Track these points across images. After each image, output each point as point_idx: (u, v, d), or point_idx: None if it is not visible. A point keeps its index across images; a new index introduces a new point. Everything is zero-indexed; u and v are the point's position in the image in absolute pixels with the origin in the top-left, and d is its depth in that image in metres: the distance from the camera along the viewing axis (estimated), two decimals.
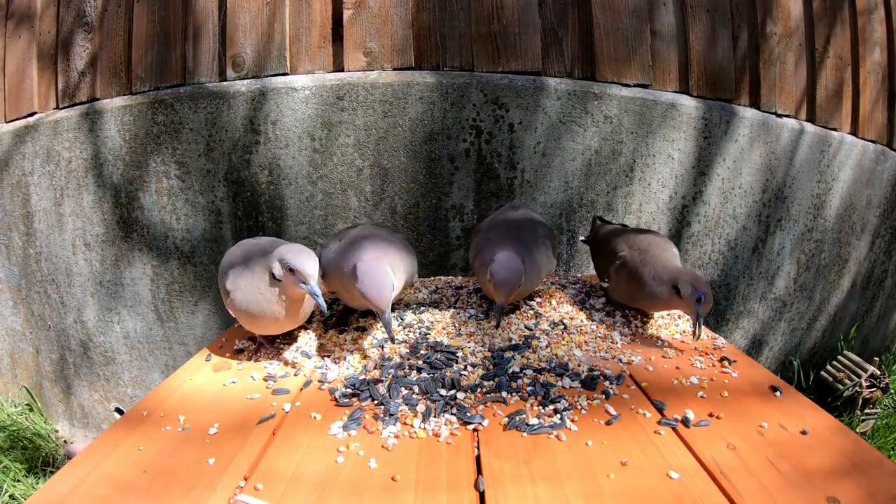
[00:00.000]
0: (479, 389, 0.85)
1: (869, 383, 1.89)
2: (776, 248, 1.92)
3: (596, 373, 0.90)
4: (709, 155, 1.76)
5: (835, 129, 1.95)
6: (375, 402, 0.83)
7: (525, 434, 0.74)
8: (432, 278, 1.46)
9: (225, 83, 1.65)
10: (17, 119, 1.85)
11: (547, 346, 0.99)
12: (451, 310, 1.17)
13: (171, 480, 0.66)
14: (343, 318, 1.16)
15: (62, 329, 1.89)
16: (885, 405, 2.03)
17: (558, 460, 0.69)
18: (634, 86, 1.69)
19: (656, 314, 1.17)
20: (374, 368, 0.93)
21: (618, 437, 0.73)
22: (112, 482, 0.66)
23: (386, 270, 0.92)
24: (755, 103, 1.81)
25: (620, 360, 0.96)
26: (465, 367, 0.92)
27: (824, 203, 1.96)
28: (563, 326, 1.09)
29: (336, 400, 0.84)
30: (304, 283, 0.89)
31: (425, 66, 1.65)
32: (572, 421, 0.77)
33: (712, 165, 1.77)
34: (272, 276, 0.91)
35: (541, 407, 0.80)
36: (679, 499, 0.61)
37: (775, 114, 1.84)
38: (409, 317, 1.13)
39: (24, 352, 1.99)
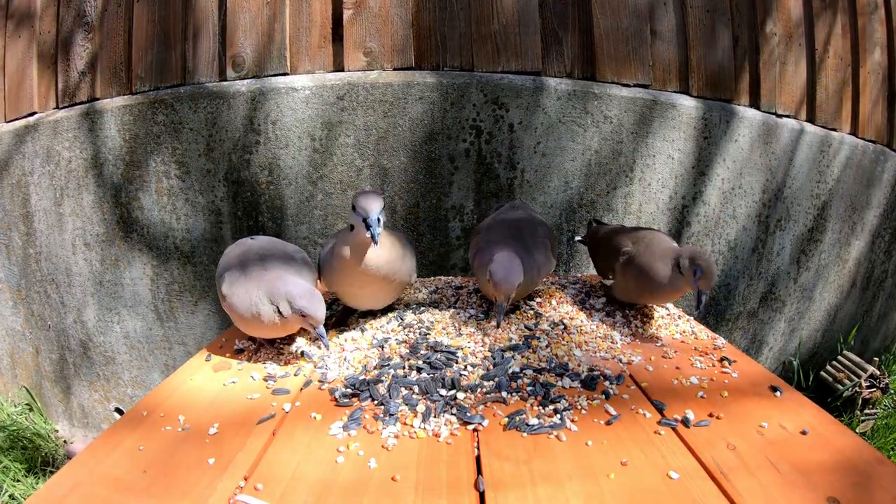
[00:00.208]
0: (479, 389, 0.85)
1: (869, 383, 1.89)
2: (776, 248, 1.92)
3: (596, 373, 0.90)
4: (709, 155, 1.76)
5: (835, 130, 1.95)
6: (375, 402, 0.83)
7: (525, 434, 0.74)
8: (432, 278, 1.46)
9: (225, 83, 1.65)
10: (17, 119, 1.85)
11: (547, 346, 0.99)
12: (451, 310, 1.17)
13: (171, 480, 0.66)
14: (343, 318, 1.16)
15: (62, 329, 1.89)
16: (885, 405, 2.03)
17: (558, 460, 0.69)
18: (634, 86, 1.69)
19: (656, 314, 1.17)
20: (374, 368, 0.93)
21: (618, 437, 0.73)
22: (112, 482, 0.66)
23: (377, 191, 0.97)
24: (755, 103, 1.81)
25: (620, 360, 0.96)
26: (465, 367, 0.92)
27: (824, 203, 1.96)
28: (563, 326, 1.09)
29: (336, 400, 0.84)
30: (313, 326, 0.91)
31: (425, 66, 1.65)
32: (572, 421, 0.77)
33: (712, 165, 1.77)
34: (278, 311, 0.92)
35: (541, 407, 0.80)
36: (679, 499, 0.61)
37: (775, 114, 1.84)
38: (409, 317, 1.13)
39: (24, 352, 1.99)
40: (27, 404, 2.04)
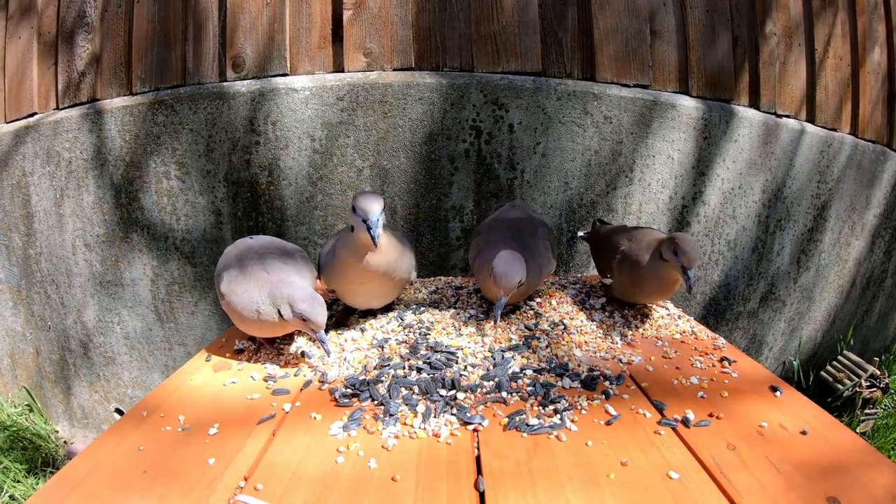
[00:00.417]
0: (479, 389, 0.85)
1: (869, 383, 1.89)
2: (776, 248, 1.92)
3: (596, 373, 0.90)
4: (709, 155, 1.76)
5: (835, 130, 1.95)
6: (375, 402, 0.83)
7: (525, 434, 0.74)
8: (432, 278, 1.46)
9: (225, 83, 1.65)
10: (17, 119, 1.85)
11: (547, 346, 0.99)
12: (451, 310, 1.17)
13: (171, 480, 0.66)
14: (343, 318, 1.16)
15: (62, 329, 1.89)
16: (885, 405, 2.03)
17: (558, 460, 0.68)
18: (634, 86, 1.70)
19: (656, 314, 1.17)
20: (374, 368, 0.93)
21: (618, 437, 0.73)
22: (112, 482, 0.66)
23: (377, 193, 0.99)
24: (755, 103, 1.81)
25: (620, 360, 0.96)
26: (465, 367, 0.92)
27: (824, 203, 1.96)
28: (563, 326, 1.09)
29: (336, 400, 0.84)
30: (314, 331, 0.91)
31: (425, 66, 1.65)
32: (572, 421, 0.77)
33: (712, 166, 1.77)
34: (279, 313, 0.92)
35: (541, 407, 0.80)
36: (679, 499, 0.61)
37: (775, 114, 1.84)
38: (409, 317, 1.13)
39: (25, 352, 1.99)
40: (27, 405, 2.04)
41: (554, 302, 1.21)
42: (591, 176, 1.70)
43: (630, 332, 1.08)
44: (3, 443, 1.81)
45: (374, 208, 0.94)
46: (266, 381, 0.92)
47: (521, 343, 1.01)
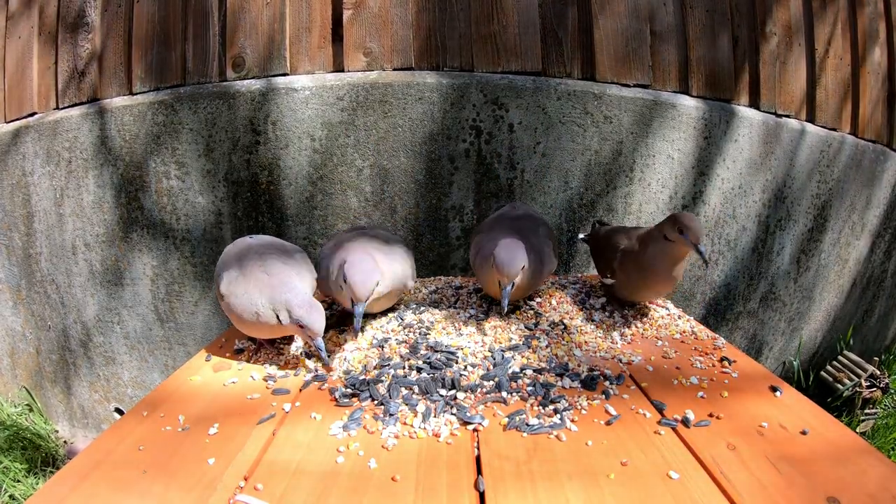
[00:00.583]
0: (479, 389, 0.85)
1: (869, 383, 1.89)
2: (776, 248, 1.92)
3: (596, 373, 0.90)
4: (709, 155, 1.76)
5: (835, 130, 1.95)
6: (375, 402, 0.83)
7: (525, 434, 0.74)
8: (432, 278, 1.46)
9: (225, 83, 1.65)
10: (17, 119, 1.85)
11: (547, 346, 0.99)
12: (451, 310, 1.17)
13: (171, 480, 0.66)
14: (343, 318, 1.16)
15: (62, 329, 1.89)
16: (885, 405, 2.03)
17: (558, 460, 0.69)
18: (634, 86, 1.70)
19: (656, 314, 1.17)
20: (374, 368, 0.93)
21: (618, 437, 0.73)
22: (112, 482, 0.66)
23: (373, 264, 0.95)
24: (755, 103, 1.81)
25: (620, 360, 0.96)
26: (465, 367, 0.92)
27: (824, 203, 1.96)
28: (563, 326, 1.09)
29: (336, 400, 0.84)
30: (311, 338, 0.90)
31: (425, 66, 1.65)
32: (572, 421, 0.77)
33: (712, 165, 1.77)
34: (277, 318, 0.92)
35: (541, 407, 0.80)
36: (679, 499, 0.61)
37: (775, 114, 1.84)
38: (409, 317, 1.13)
39: (24, 352, 1.99)
40: (27, 405, 2.04)
41: (554, 302, 1.21)
42: (591, 176, 1.70)
43: (630, 332, 1.08)
44: (3, 443, 1.81)
45: (365, 294, 0.92)
46: (266, 381, 0.92)
47: (521, 343, 1.01)
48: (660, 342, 1.04)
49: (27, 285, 1.90)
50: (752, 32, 1.79)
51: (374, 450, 0.71)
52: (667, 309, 1.21)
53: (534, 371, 0.90)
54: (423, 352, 0.98)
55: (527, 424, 0.76)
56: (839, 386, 1.93)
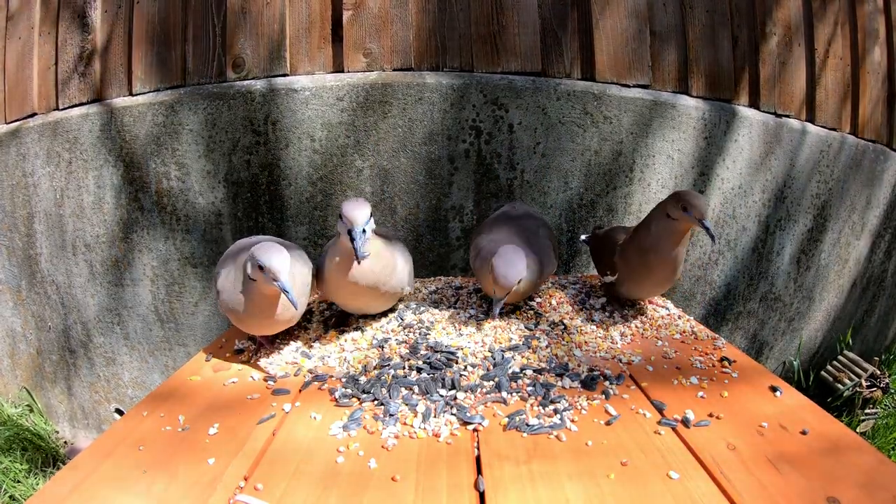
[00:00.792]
0: (479, 389, 0.85)
1: (869, 383, 1.89)
2: (776, 248, 1.92)
3: (596, 373, 0.90)
4: (709, 155, 1.76)
5: (835, 130, 1.95)
6: (375, 402, 0.83)
7: (525, 434, 0.74)
8: (432, 278, 1.46)
9: (225, 84, 1.65)
10: (17, 119, 1.85)
11: (547, 346, 0.99)
12: (451, 310, 1.17)
13: (171, 480, 0.66)
14: (343, 318, 1.16)
15: (62, 330, 1.89)
16: (885, 405, 2.03)
17: (558, 460, 0.69)
18: (634, 86, 1.70)
19: (656, 314, 1.17)
20: (374, 368, 0.93)
21: (618, 437, 0.73)
22: (112, 482, 0.66)
23: (365, 201, 0.93)
24: (755, 103, 1.81)
25: (620, 360, 0.96)
26: (465, 367, 0.92)
27: (824, 203, 1.96)
28: (563, 326, 1.09)
29: (336, 400, 0.84)
30: (274, 279, 0.87)
31: (425, 66, 1.65)
32: (572, 421, 0.77)
33: (712, 165, 1.77)
34: (246, 275, 0.91)
35: (541, 407, 0.80)
36: (679, 499, 0.61)
37: (775, 114, 1.84)
38: (409, 317, 1.13)
39: (25, 352, 1.99)
40: (27, 405, 2.04)
41: (554, 302, 1.21)
42: (591, 176, 1.70)
43: (630, 332, 1.08)
44: (3, 443, 1.81)
45: (359, 217, 0.89)
46: (266, 381, 0.92)
47: (521, 343, 1.01)
48: (660, 342, 1.04)
49: (27, 286, 1.90)
50: (752, 32, 1.79)
51: (374, 450, 0.71)
52: (667, 309, 1.21)
53: (534, 371, 0.90)
54: (423, 352, 0.98)
55: (527, 424, 0.76)
56: (839, 386, 1.93)
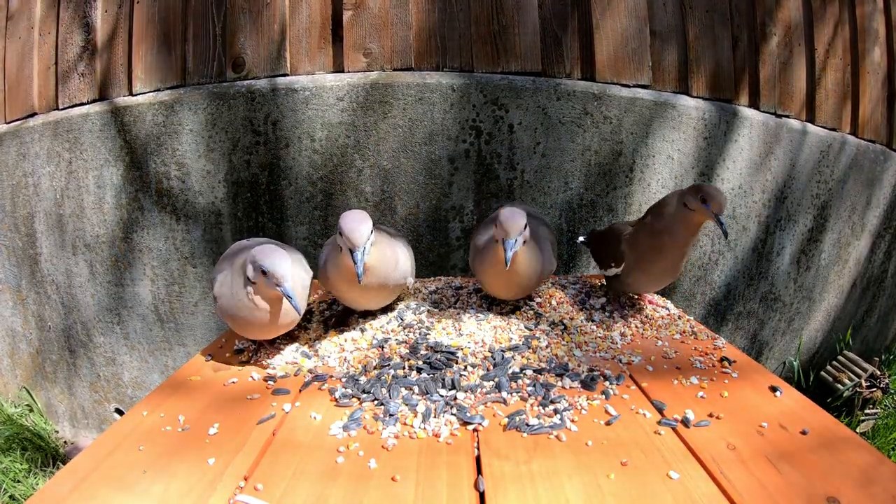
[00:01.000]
0: (479, 389, 0.85)
1: (869, 383, 1.89)
2: (776, 248, 1.92)
3: (596, 373, 0.90)
4: (709, 155, 1.76)
5: (835, 130, 1.95)
6: (375, 402, 0.83)
7: (525, 434, 0.74)
8: (432, 278, 1.46)
9: (225, 84, 1.65)
10: (17, 120, 1.85)
11: (547, 346, 0.99)
12: (451, 310, 1.17)
13: (171, 480, 0.66)
14: (343, 318, 1.16)
15: (62, 329, 1.89)
16: (885, 405, 2.03)
17: (558, 460, 0.69)
18: (634, 86, 1.70)
19: (656, 314, 1.17)
20: (374, 368, 0.93)
21: (618, 437, 0.73)
22: (112, 482, 0.66)
23: (365, 215, 0.93)
24: (755, 103, 1.81)
25: (620, 360, 0.96)
26: (465, 367, 0.92)
27: (824, 203, 1.97)
28: (563, 326, 1.09)
29: (336, 400, 0.84)
30: (277, 284, 0.87)
31: (425, 66, 1.65)
32: (572, 421, 0.77)
33: (712, 165, 1.77)
34: (246, 278, 0.90)
35: (541, 407, 0.80)
36: (679, 499, 0.61)
37: (775, 114, 1.84)
38: (409, 317, 1.13)
39: (25, 352, 1.99)
40: (27, 405, 2.04)
41: (554, 302, 1.21)
42: (591, 176, 1.70)
43: (630, 332, 1.08)
44: (3, 443, 1.81)
45: (359, 240, 0.89)
46: (266, 380, 0.92)
47: (521, 343, 1.01)
48: (660, 342, 1.04)
49: (27, 285, 1.90)
50: (752, 32, 1.79)
51: (374, 450, 0.71)
52: (667, 309, 1.21)
53: (534, 371, 0.90)
54: (423, 352, 0.98)
55: (527, 424, 0.76)
56: (839, 386, 1.93)
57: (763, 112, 1.81)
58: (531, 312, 1.16)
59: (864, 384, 1.88)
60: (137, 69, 1.71)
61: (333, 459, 0.70)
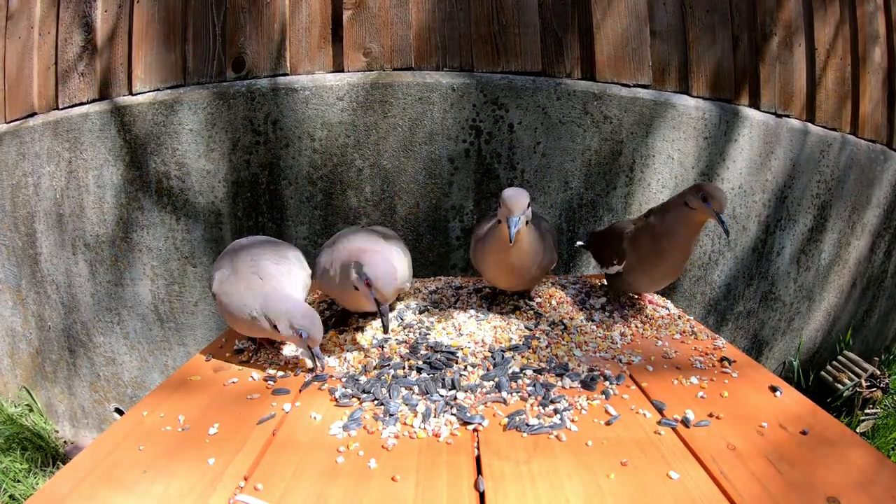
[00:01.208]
0: (479, 389, 0.85)
1: (869, 383, 1.89)
2: (776, 248, 1.92)
3: (596, 373, 0.90)
4: (709, 155, 1.76)
5: (835, 129, 1.95)
6: (375, 402, 0.83)
7: (525, 434, 0.74)
8: (432, 278, 1.46)
9: (225, 83, 1.65)
10: (17, 119, 1.85)
11: (547, 346, 0.99)
12: (451, 310, 1.17)
13: (171, 480, 0.66)
14: (343, 318, 1.16)
15: (62, 329, 1.89)
16: (885, 405, 2.03)
17: (558, 460, 0.68)
18: (634, 86, 1.70)
19: (656, 314, 1.17)
20: (374, 368, 0.93)
21: (618, 437, 0.73)
22: (112, 482, 0.66)
23: (391, 262, 0.96)
24: (755, 103, 1.81)
25: (620, 360, 0.96)
26: (465, 367, 0.92)
27: (824, 203, 1.96)
28: (563, 326, 1.09)
29: (336, 400, 0.84)
30: (310, 346, 0.90)
31: (425, 66, 1.65)
32: (572, 421, 0.77)
33: (712, 165, 1.77)
34: (274, 327, 0.91)
35: (541, 407, 0.80)
36: (679, 499, 0.61)
37: (775, 114, 1.84)
38: (409, 317, 1.13)
39: (24, 352, 1.99)
40: (27, 405, 2.04)
41: (554, 302, 1.21)
42: (591, 176, 1.70)
43: (630, 332, 1.08)
44: (3, 442, 1.81)
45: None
46: (266, 381, 0.92)
47: (521, 343, 1.01)
48: (660, 342, 1.04)
49: (27, 285, 1.90)
50: (752, 32, 1.79)
51: (374, 450, 0.71)
52: (667, 309, 1.21)
53: (534, 371, 0.90)
54: (423, 352, 0.98)
55: (527, 424, 0.76)
56: (839, 386, 1.93)
57: (763, 112, 1.81)
58: (531, 312, 1.16)
59: (864, 384, 1.88)
60: (137, 69, 1.71)
61: (333, 459, 0.70)
